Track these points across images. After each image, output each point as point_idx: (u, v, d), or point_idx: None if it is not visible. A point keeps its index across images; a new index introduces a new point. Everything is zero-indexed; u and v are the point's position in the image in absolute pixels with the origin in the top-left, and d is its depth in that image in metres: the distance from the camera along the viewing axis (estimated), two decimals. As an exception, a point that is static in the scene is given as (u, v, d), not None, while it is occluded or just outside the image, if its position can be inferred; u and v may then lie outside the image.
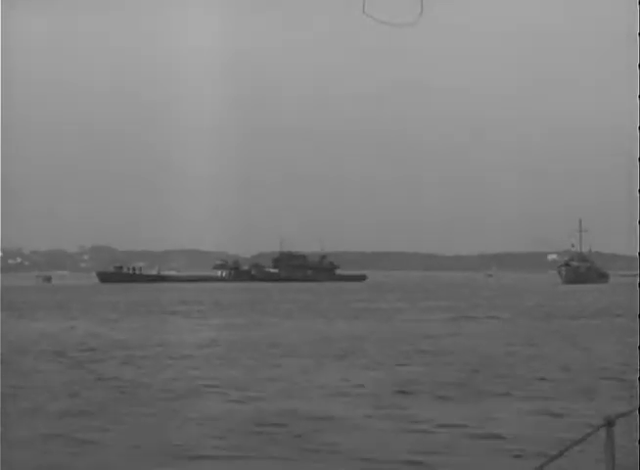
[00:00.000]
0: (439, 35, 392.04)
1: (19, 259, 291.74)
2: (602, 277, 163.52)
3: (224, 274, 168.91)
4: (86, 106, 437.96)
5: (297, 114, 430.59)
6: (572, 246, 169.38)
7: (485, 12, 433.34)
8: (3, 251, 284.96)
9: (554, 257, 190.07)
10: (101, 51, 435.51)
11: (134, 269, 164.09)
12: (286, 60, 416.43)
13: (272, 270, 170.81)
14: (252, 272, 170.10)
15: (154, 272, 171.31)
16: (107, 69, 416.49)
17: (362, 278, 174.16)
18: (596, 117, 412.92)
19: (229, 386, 23.66)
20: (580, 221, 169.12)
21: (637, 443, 6.71)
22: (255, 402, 20.81)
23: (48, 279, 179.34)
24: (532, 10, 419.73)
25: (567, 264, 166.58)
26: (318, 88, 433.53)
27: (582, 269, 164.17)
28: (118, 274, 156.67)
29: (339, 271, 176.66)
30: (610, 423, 5.29)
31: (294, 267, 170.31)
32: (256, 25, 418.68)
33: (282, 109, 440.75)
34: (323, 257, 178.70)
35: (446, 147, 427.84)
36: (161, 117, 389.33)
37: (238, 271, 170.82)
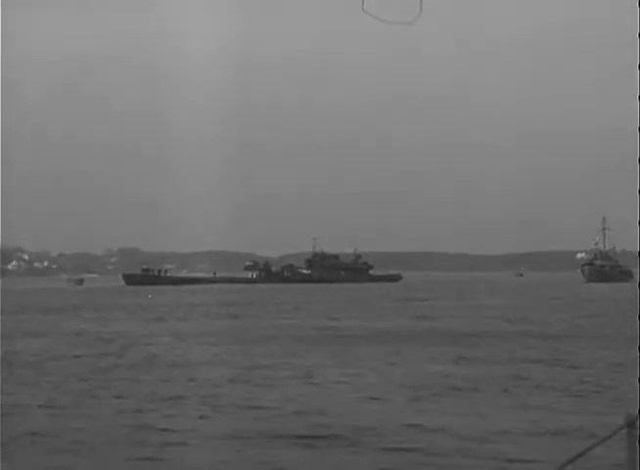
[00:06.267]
0: (438, 35, 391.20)
1: (45, 263, 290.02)
2: (626, 276, 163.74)
3: (255, 275, 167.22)
4: (99, 108, 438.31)
5: (311, 112, 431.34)
6: (596, 244, 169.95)
7: (485, 12, 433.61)
8: (29, 254, 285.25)
9: (582, 255, 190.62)
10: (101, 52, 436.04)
11: (159, 271, 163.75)
12: (284, 57, 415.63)
13: (305, 271, 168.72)
14: (285, 273, 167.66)
15: (192, 274, 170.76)
16: (112, 71, 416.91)
17: (397, 278, 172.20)
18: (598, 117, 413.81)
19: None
20: (604, 219, 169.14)
21: None
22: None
23: (80, 282, 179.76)
24: (532, 10, 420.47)
25: (590, 263, 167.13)
26: (325, 86, 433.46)
27: (606, 268, 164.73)
28: (145, 276, 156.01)
29: (372, 271, 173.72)
30: (630, 424, 5.22)
31: (327, 268, 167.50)
32: (255, 24, 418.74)
33: (290, 107, 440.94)
34: (357, 257, 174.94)
35: (468, 146, 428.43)
36: (180, 115, 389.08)
37: (269, 272, 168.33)
